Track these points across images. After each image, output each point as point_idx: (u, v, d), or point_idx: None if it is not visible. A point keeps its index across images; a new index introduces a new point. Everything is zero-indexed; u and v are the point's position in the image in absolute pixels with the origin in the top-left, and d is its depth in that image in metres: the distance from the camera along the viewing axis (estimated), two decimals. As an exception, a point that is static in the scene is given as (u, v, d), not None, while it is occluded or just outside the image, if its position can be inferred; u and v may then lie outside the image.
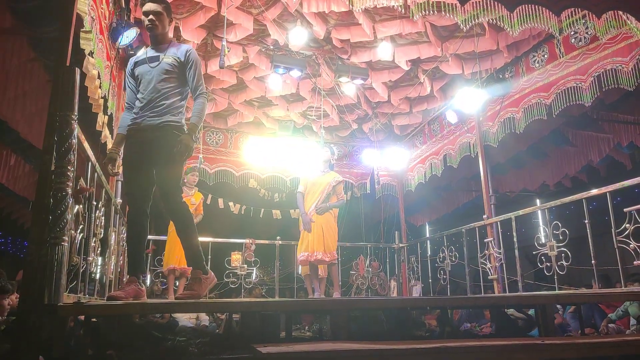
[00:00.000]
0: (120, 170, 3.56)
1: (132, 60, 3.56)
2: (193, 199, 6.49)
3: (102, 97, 4.23)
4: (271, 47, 6.35)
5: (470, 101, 6.44)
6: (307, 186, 6.04)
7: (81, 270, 3.16)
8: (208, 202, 8.33)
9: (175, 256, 6.20)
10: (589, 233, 4.49)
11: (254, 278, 7.90)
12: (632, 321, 5.68)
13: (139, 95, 3.46)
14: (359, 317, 4.14)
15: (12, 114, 6.37)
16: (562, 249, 4.77)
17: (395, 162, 8.74)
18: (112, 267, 4.76)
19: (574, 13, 4.76)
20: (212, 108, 7.68)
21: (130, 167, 3.39)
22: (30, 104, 6.40)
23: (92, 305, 2.67)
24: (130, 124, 3.44)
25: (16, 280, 5.05)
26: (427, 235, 8.28)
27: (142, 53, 3.59)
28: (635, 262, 3.97)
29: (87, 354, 3.16)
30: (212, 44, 6.14)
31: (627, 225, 4.06)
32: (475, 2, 4.16)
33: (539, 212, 5.34)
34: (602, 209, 4.51)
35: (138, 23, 5.11)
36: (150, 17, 3.42)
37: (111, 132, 5.09)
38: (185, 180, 6.41)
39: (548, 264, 4.91)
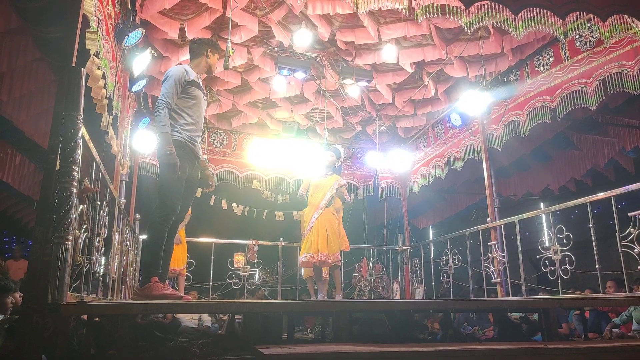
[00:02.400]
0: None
1: (187, 71, 3.79)
2: None
3: (106, 98, 4.24)
4: (276, 48, 6.37)
5: (474, 104, 6.43)
6: (310, 189, 6.03)
7: (85, 270, 3.17)
8: (211, 203, 8.34)
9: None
10: (593, 237, 4.47)
11: (256, 279, 7.90)
12: (635, 326, 5.64)
13: (191, 116, 3.77)
14: (361, 320, 4.13)
15: (17, 114, 6.39)
16: (566, 253, 4.75)
17: (398, 164, 8.73)
18: (115, 267, 4.77)
19: (579, 17, 4.75)
20: (217, 109, 7.70)
21: (185, 175, 3.71)
22: (36, 104, 6.42)
23: (95, 305, 2.68)
24: (182, 134, 3.70)
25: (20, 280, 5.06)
26: (431, 238, 8.25)
27: (192, 74, 3.84)
28: (639, 267, 3.96)
29: (90, 353, 3.17)
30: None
31: (632, 229, 4.04)
32: (480, 5, 4.16)
33: (543, 215, 5.32)
34: (606, 213, 4.49)
35: (144, 24, 5.14)
36: None
37: (116, 132, 5.11)
38: None
39: (552, 267, 4.89)
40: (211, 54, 3.99)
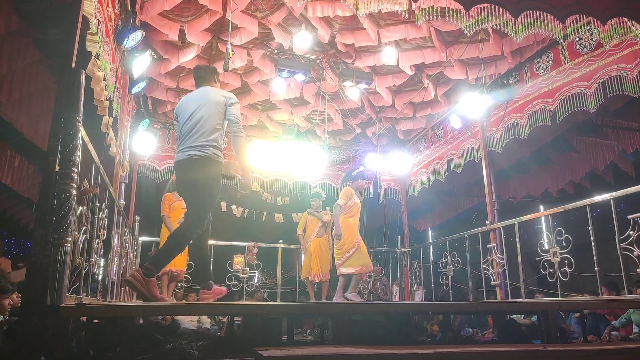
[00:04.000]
0: None
1: None
2: (183, 203, 6.48)
3: (107, 99, 4.24)
4: (276, 50, 6.37)
5: (474, 106, 6.43)
6: (353, 209, 6.25)
7: (84, 272, 3.17)
8: (211, 204, 8.32)
9: None
10: (592, 240, 4.47)
11: (256, 281, 7.90)
12: (635, 328, 5.65)
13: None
14: (360, 322, 4.13)
15: (17, 116, 6.39)
16: (565, 255, 4.75)
17: (398, 166, 8.74)
18: (114, 269, 4.77)
19: (578, 19, 4.76)
20: (216, 111, 7.70)
21: None
22: (36, 105, 6.42)
23: (94, 307, 2.68)
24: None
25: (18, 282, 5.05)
26: (430, 240, 8.25)
27: None
28: (638, 270, 3.95)
29: (89, 355, 3.17)
30: (216, 47, 6.16)
31: (631, 232, 4.04)
32: (480, 7, 4.16)
33: (543, 218, 5.32)
34: (605, 216, 4.49)
35: (143, 26, 5.14)
36: None
37: (116, 134, 5.11)
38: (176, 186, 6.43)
39: (551, 270, 4.89)
40: (218, 80, 4.24)
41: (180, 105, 4.04)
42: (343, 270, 6.03)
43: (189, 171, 3.72)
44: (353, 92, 7.15)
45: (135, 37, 4.64)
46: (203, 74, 4.12)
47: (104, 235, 3.74)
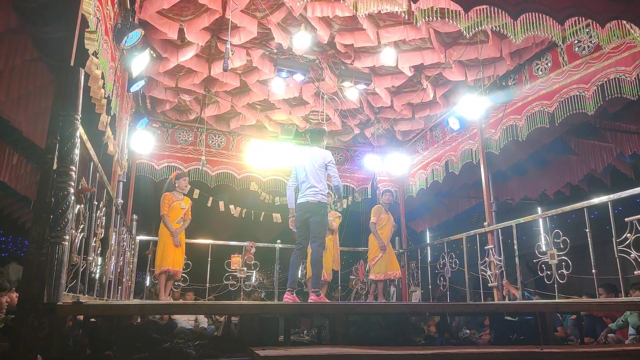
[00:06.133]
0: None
1: None
2: (183, 203, 6.47)
3: (105, 98, 4.23)
4: (275, 50, 6.37)
5: (472, 108, 6.44)
6: (381, 222, 7.36)
7: (81, 270, 3.16)
8: (209, 204, 8.33)
9: (167, 259, 6.18)
10: (590, 242, 4.47)
11: (253, 281, 7.89)
12: (631, 331, 5.65)
13: None
14: (358, 322, 4.13)
15: (15, 114, 6.37)
16: (563, 257, 4.76)
17: (396, 167, 8.74)
18: (111, 267, 4.75)
19: (577, 22, 4.77)
20: (215, 110, 7.70)
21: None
22: (34, 103, 6.40)
23: (91, 305, 2.67)
24: None
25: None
26: (428, 242, 8.24)
27: None
28: (635, 272, 3.96)
29: (86, 353, 3.16)
30: (216, 46, 6.16)
31: (628, 234, 4.05)
32: (479, 9, 4.16)
33: (540, 220, 5.33)
34: (603, 218, 4.50)
35: (143, 24, 5.14)
36: None
37: (114, 133, 5.10)
38: (176, 185, 6.41)
39: (548, 272, 4.90)
40: (324, 139, 5.31)
41: (296, 158, 5.35)
42: (371, 276, 7.25)
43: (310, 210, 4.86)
44: (352, 92, 7.15)
45: (134, 36, 4.62)
46: (316, 138, 5.24)
47: (101, 233, 3.74)
